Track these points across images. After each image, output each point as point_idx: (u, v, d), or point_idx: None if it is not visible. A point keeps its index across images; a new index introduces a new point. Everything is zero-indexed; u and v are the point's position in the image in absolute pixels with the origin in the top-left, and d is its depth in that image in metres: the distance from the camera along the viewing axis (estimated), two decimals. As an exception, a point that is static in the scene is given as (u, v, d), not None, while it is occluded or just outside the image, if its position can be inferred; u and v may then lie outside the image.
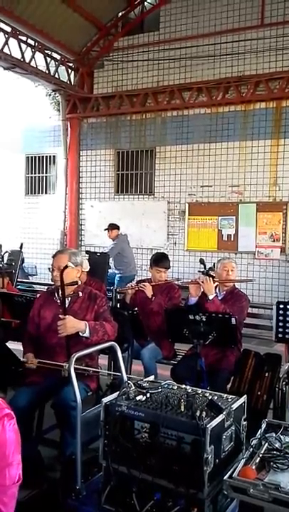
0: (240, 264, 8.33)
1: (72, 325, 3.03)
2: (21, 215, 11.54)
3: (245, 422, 2.40)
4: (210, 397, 2.32)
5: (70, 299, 3.27)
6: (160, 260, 4.57)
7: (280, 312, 3.45)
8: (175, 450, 2.09)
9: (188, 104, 9.38)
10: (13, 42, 8.84)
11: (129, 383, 2.42)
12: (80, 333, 3.05)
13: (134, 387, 2.38)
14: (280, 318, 3.43)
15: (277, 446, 2.16)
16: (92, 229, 10.27)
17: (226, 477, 1.97)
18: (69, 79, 10.35)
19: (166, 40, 9.57)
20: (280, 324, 3.44)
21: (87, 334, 3.05)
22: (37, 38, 9.19)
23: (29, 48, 9.24)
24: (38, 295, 3.78)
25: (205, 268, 4.13)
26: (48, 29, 9.09)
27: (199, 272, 4.18)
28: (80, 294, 3.28)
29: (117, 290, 5.47)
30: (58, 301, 3.24)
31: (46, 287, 5.35)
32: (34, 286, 8.58)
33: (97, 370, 3.28)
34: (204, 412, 2.14)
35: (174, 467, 2.08)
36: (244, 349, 3.96)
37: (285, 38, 8.48)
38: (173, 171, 9.70)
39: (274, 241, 8.77)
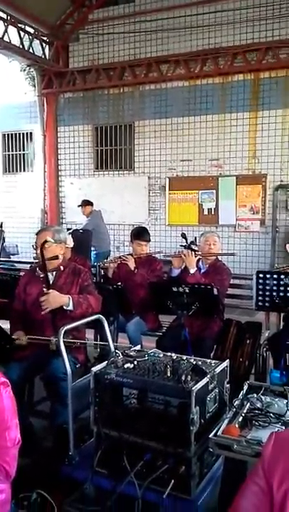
0: (222, 237, 8.35)
1: (55, 299, 3.11)
2: (0, 193, 11.41)
3: (228, 385, 2.52)
4: (194, 363, 2.42)
5: (54, 274, 3.33)
6: (140, 233, 4.65)
7: (260, 281, 3.54)
8: (163, 413, 2.19)
9: (165, 77, 9.30)
10: (-16, 15, 8.61)
11: (117, 352, 2.51)
12: (64, 307, 3.13)
13: (121, 356, 2.47)
14: (260, 287, 3.52)
15: (258, 405, 2.28)
16: (73, 206, 10.18)
17: (211, 435, 2.09)
18: (44, 53, 10.12)
19: (142, 12, 9.40)
20: (260, 293, 3.53)
21: (70, 307, 3.14)
22: (9, 12, 8.92)
23: (1, 22, 8.98)
24: (23, 273, 3.82)
25: (187, 242, 4.22)
26: (20, 2, 8.81)
27: (181, 246, 4.27)
28: (62, 268, 3.34)
29: (100, 265, 5.51)
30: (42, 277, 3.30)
31: (29, 266, 5.36)
32: (16, 265, 8.56)
33: (84, 342, 3.36)
34: (189, 377, 2.24)
35: (162, 429, 2.19)
36: (226, 318, 4.09)
37: (261, 9, 8.41)
38: (152, 146, 9.67)
39: (254, 213, 8.90)
